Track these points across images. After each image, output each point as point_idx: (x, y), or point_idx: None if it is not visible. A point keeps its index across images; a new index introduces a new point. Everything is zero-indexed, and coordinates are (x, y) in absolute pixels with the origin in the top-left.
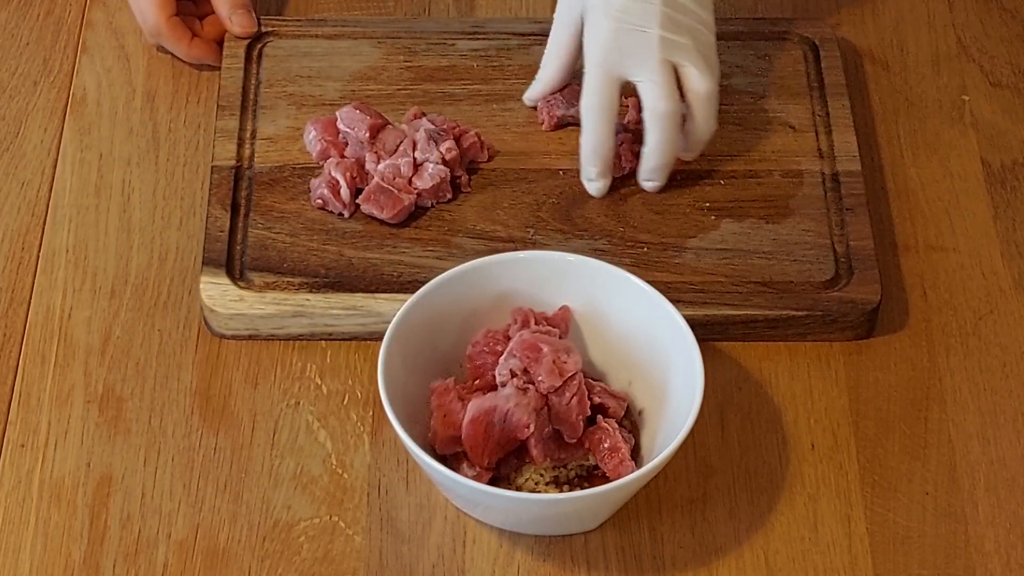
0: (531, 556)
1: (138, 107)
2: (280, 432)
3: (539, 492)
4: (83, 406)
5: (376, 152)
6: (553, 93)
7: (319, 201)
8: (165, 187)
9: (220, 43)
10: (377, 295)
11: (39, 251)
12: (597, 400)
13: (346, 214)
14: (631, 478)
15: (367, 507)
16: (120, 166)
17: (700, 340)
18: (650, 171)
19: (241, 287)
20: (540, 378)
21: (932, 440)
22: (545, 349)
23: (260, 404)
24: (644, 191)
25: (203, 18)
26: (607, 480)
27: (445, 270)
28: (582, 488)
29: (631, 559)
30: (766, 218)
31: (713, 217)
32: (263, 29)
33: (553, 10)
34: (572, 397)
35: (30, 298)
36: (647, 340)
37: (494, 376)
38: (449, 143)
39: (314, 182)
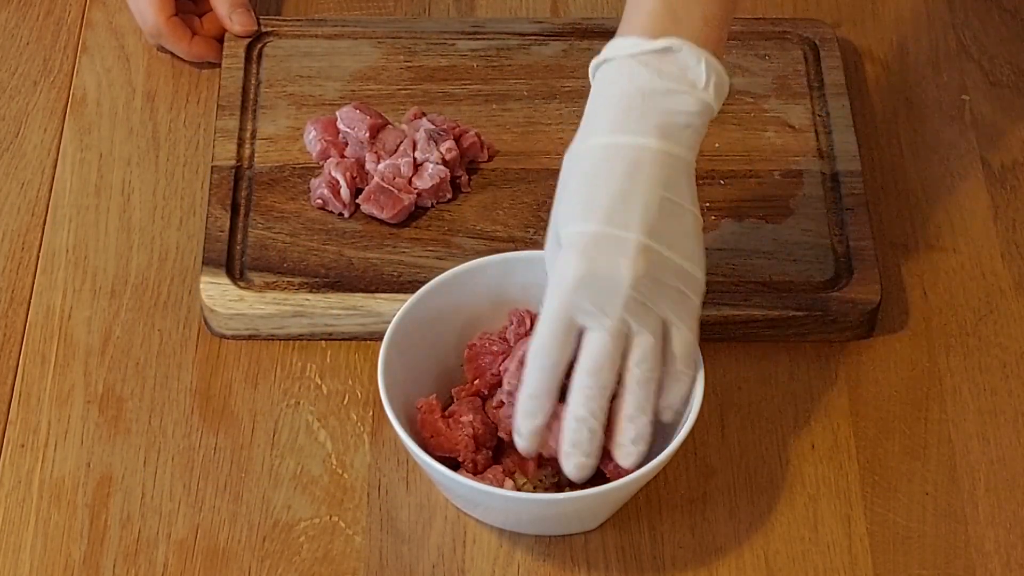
0: (531, 556)
1: (138, 107)
2: (280, 432)
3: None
4: (83, 406)
5: (376, 152)
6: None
7: (319, 201)
8: (165, 187)
9: (221, 40)
10: (377, 295)
11: (39, 251)
12: None
13: (346, 214)
14: (631, 478)
15: (367, 507)
16: (120, 166)
17: (700, 340)
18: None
19: (241, 287)
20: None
21: (932, 440)
22: None
23: (260, 404)
24: None
25: (202, 16)
26: (607, 480)
27: (445, 270)
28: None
29: (631, 559)
30: (766, 218)
31: (713, 217)
32: (263, 29)
33: (553, 11)
34: None
35: (30, 298)
36: None
37: (493, 376)
38: (449, 143)
39: (314, 182)
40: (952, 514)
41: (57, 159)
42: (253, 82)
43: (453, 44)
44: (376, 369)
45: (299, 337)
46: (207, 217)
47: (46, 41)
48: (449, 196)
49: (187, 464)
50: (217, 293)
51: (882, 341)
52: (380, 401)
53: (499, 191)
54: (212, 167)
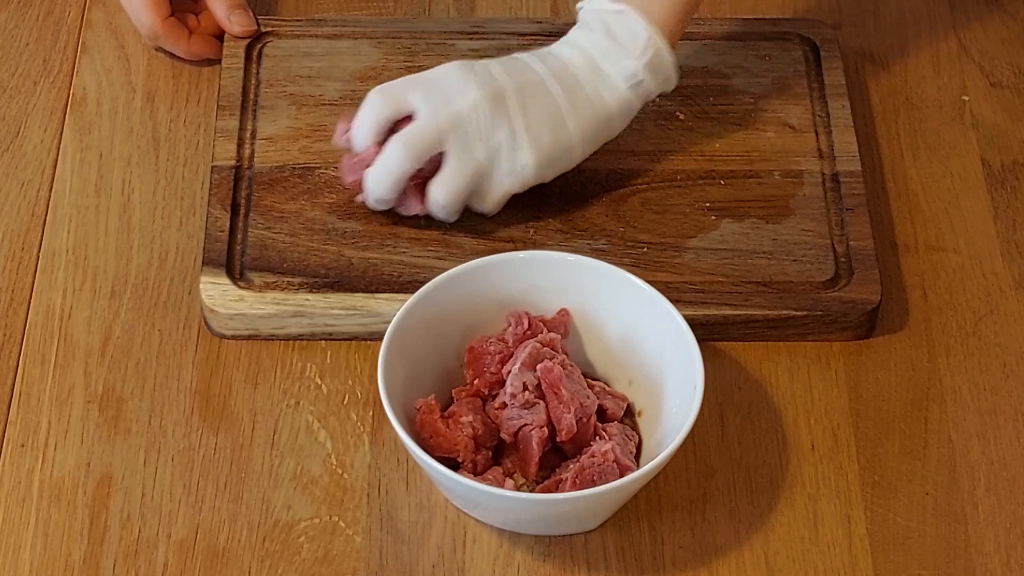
0: (531, 556)
1: (138, 107)
2: (280, 432)
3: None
4: (83, 406)
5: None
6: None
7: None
8: (165, 187)
9: (219, 37)
10: (377, 295)
11: (39, 251)
12: (597, 401)
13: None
14: (631, 478)
15: (367, 507)
16: (120, 166)
17: (700, 340)
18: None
19: (241, 287)
20: (561, 425)
21: (932, 440)
22: (566, 395)
23: (260, 404)
24: (644, 191)
25: (199, 14)
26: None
27: (445, 270)
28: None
29: (631, 559)
30: (766, 218)
31: (713, 217)
32: (263, 29)
33: (553, 10)
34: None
35: (30, 298)
36: (647, 340)
37: (493, 376)
38: None
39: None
40: (952, 514)
41: (57, 159)
42: (253, 82)
43: (453, 44)
44: (376, 369)
45: (299, 337)
46: (207, 217)
47: (46, 41)
48: None
49: (187, 464)
50: (217, 293)
51: (882, 341)
52: (380, 401)
53: None
54: (212, 167)
